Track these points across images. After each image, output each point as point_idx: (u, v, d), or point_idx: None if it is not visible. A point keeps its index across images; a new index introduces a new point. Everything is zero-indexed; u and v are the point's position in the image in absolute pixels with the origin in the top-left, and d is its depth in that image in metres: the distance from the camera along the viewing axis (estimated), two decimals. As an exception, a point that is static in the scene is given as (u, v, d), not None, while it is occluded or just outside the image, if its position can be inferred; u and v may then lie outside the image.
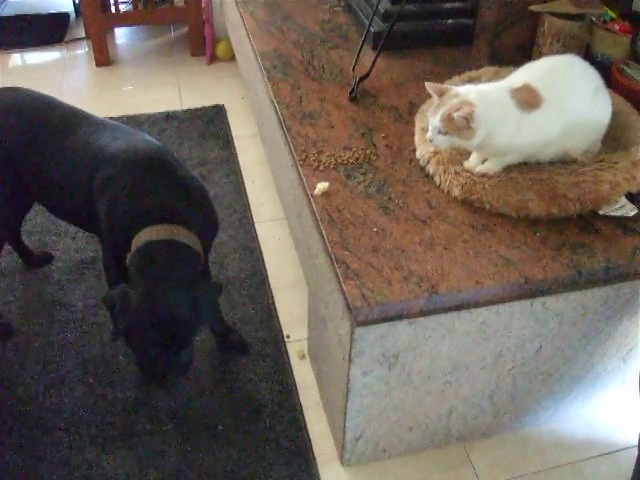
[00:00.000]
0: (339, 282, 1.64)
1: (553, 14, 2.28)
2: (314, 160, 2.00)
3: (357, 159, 2.00)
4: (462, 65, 2.39)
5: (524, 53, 2.39)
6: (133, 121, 3.39)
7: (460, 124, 1.71)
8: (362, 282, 1.62)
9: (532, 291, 1.68)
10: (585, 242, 1.75)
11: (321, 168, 1.97)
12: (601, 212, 1.82)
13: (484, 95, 1.78)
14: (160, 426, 2.04)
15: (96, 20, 3.80)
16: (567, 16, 2.27)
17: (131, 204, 1.79)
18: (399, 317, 1.61)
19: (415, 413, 1.88)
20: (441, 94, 1.78)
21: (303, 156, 2.02)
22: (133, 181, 1.82)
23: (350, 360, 1.67)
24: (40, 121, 2.02)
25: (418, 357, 1.73)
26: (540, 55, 2.31)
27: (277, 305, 2.43)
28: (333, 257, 1.69)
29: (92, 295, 2.43)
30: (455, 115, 1.70)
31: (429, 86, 1.80)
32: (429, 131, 1.79)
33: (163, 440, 2.00)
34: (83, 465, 1.95)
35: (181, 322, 1.69)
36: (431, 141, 1.79)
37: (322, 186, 1.88)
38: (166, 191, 1.83)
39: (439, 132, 1.75)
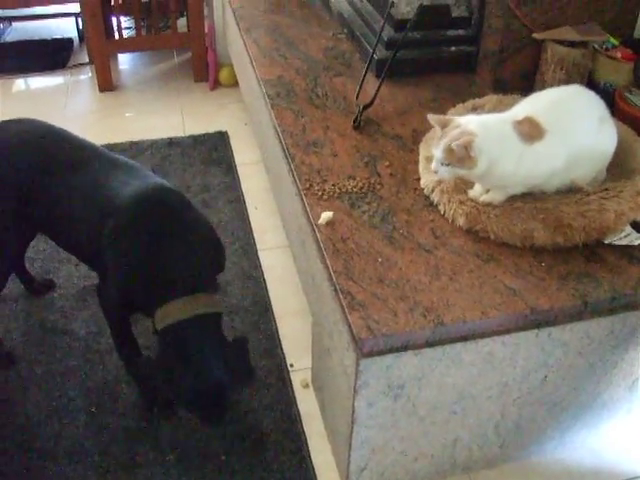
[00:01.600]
0: (344, 313, 1.64)
1: (556, 41, 2.29)
2: (318, 189, 2.00)
3: (361, 188, 2.00)
4: (465, 92, 2.40)
5: (527, 80, 2.40)
6: (136, 147, 3.40)
7: (460, 154, 1.71)
8: (367, 313, 1.61)
9: (538, 321, 1.67)
10: (590, 272, 1.75)
11: (325, 197, 1.97)
12: (606, 241, 1.81)
13: (485, 125, 1.78)
14: (162, 456, 2.02)
15: (100, 46, 3.82)
16: (570, 43, 2.28)
17: (151, 272, 1.86)
18: (405, 348, 1.60)
19: (420, 443, 1.87)
20: (444, 125, 1.78)
21: (307, 185, 2.02)
22: (149, 238, 1.86)
23: (355, 391, 1.66)
24: (49, 155, 2.04)
25: (424, 388, 1.72)
26: (543, 82, 2.32)
27: (281, 333, 2.41)
28: (338, 287, 1.69)
29: (95, 323, 2.42)
30: (454, 145, 1.70)
31: (431, 118, 1.81)
32: (433, 162, 1.79)
33: (165, 470, 1.99)
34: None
35: (224, 388, 1.83)
36: (436, 172, 1.79)
37: (326, 215, 1.88)
38: (183, 249, 1.88)
39: (442, 163, 1.76)
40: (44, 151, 2.05)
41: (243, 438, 2.08)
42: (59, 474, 1.99)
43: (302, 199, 1.99)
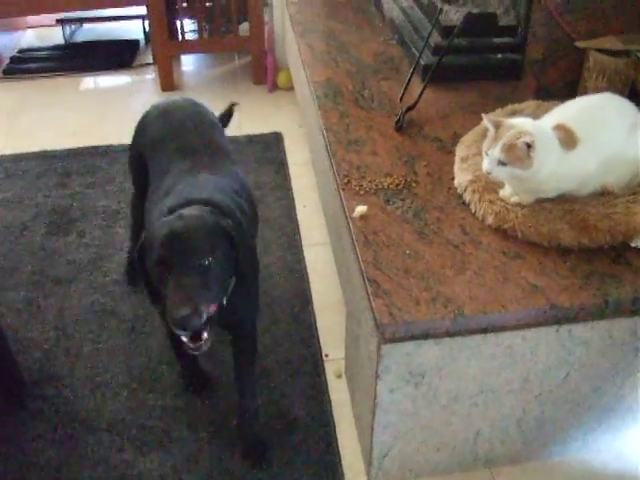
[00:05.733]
0: (369, 300, 1.71)
1: (599, 50, 2.32)
2: (356, 185, 2.07)
3: (397, 185, 2.07)
4: (508, 99, 2.44)
5: (570, 88, 2.43)
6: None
7: (521, 152, 1.77)
8: (391, 301, 1.68)
9: (558, 317, 1.71)
10: (614, 273, 1.78)
11: (361, 192, 2.04)
12: (632, 244, 1.84)
13: (538, 127, 1.84)
14: (196, 433, 2.12)
15: (163, 47, 3.97)
16: (612, 52, 2.31)
17: None
18: (425, 336, 1.67)
19: (442, 434, 1.93)
20: (498, 126, 1.84)
21: (345, 180, 2.09)
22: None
23: (377, 376, 1.73)
24: (170, 134, 2.14)
25: (445, 377, 1.77)
26: (585, 90, 2.36)
27: (319, 325, 2.50)
28: (365, 276, 1.76)
29: (142, 306, 2.53)
30: (518, 142, 1.75)
31: (487, 118, 1.86)
32: (486, 163, 1.84)
33: (198, 447, 2.08)
34: (121, 465, 2.04)
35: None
36: (489, 173, 1.84)
37: (361, 209, 1.96)
38: None
39: (499, 163, 1.80)
40: (170, 128, 2.15)
41: (274, 421, 2.16)
42: (98, 444, 2.10)
43: (340, 193, 2.07)
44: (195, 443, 2.10)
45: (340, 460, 2.06)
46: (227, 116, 2.59)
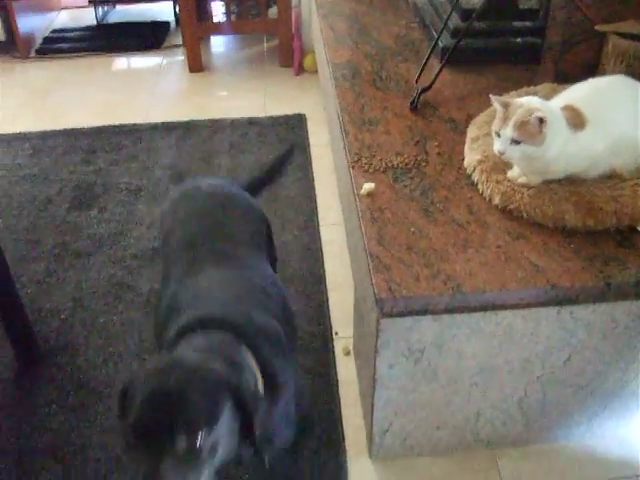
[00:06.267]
0: (370, 275, 1.72)
1: (618, 34, 2.30)
2: (365, 163, 2.08)
3: (407, 164, 2.08)
4: (526, 83, 2.42)
5: (589, 72, 2.40)
6: (217, 124, 3.56)
7: (534, 128, 1.76)
8: (390, 276, 1.69)
9: (559, 298, 1.71)
10: (619, 256, 1.77)
11: (371, 170, 2.05)
12: (639, 227, 1.83)
13: (546, 106, 1.83)
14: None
15: (192, 28, 4.01)
16: (632, 36, 2.29)
17: None
18: (424, 312, 1.68)
19: (442, 412, 1.94)
20: (506, 106, 1.83)
21: (356, 158, 2.11)
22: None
23: (377, 351, 1.74)
24: (180, 222, 1.83)
25: (444, 355, 1.78)
26: (604, 74, 2.34)
27: (330, 303, 2.52)
28: (368, 252, 1.77)
29: (158, 281, 2.56)
30: (531, 118, 1.75)
31: (494, 98, 1.86)
32: (498, 144, 1.83)
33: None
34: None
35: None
36: (502, 154, 1.83)
37: (368, 186, 1.97)
38: None
39: (512, 142, 1.80)
40: (188, 219, 1.82)
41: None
42: (108, 412, 2.16)
43: (349, 171, 2.08)
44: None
45: (343, 437, 2.08)
46: (285, 157, 2.43)
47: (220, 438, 1.18)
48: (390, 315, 1.67)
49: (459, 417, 1.96)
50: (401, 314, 1.67)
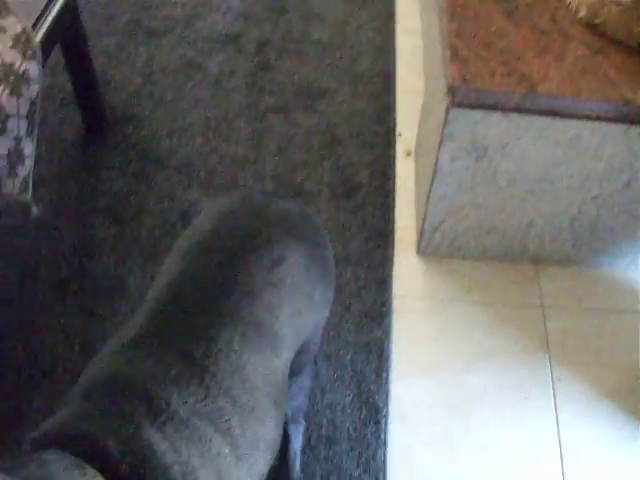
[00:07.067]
0: (445, 64, 1.72)
1: None
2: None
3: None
4: None
5: None
6: None
7: None
8: (466, 67, 1.69)
9: (630, 116, 1.70)
10: (700, 82, 1.75)
11: (457, -31, 2.01)
12: None
13: None
14: (261, 183, 2.23)
15: None
16: None
17: None
18: (494, 107, 1.69)
19: (495, 217, 1.97)
20: None
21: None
22: None
23: (441, 142, 1.76)
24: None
25: (507, 156, 1.80)
26: None
27: (397, 106, 2.52)
28: (446, 42, 1.76)
29: (228, 64, 2.61)
30: None
31: None
32: None
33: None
34: (185, 202, 2.17)
35: None
36: None
37: (452, -16, 1.93)
38: None
39: None
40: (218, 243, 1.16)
41: (338, 185, 2.24)
42: (166, 181, 2.23)
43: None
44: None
45: (394, 230, 2.14)
46: None
47: None
48: (461, 105, 1.68)
49: (511, 224, 1.99)
50: (471, 106, 1.68)
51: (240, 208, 1.24)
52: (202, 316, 1.04)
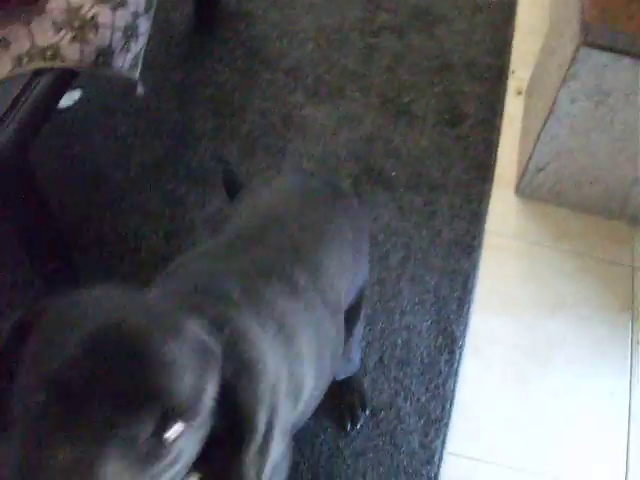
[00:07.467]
0: (582, 2, 1.65)
1: None
2: None
3: None
4: None
5: None
6: None
7: None
8: (604, 7, 1.63)
9: None
10: None
11: None
12: None
13: None
14: (367, 97, 2.20)
15: None
16: None
17: None
18: (626, 52, 1.62)
19: (602, 167, 1.91)
20: None
21: None
22: None
23: (564, 81, 1.71)
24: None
25: (628, 106, 1.73)
26: None
27: (514, 43, 2.45)
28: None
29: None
30: None
31: None
32: None
33: (365, 110, 2.17)
34: (290, 105, 2.16)
35: None
36: None
37: None
38: None
39: None
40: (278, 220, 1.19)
41: (445, 112, 2.20)
42: (273, 82, 2.23)
43: None
44: (364, 107, 2.18)
45: (494, 166, 2.10)
46: None
47: (188, 443, 0.71)
48: (592, 44, 1.62)
49: (616, 178, 1.93)
50: (602, 47, 1.62)
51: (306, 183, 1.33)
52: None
